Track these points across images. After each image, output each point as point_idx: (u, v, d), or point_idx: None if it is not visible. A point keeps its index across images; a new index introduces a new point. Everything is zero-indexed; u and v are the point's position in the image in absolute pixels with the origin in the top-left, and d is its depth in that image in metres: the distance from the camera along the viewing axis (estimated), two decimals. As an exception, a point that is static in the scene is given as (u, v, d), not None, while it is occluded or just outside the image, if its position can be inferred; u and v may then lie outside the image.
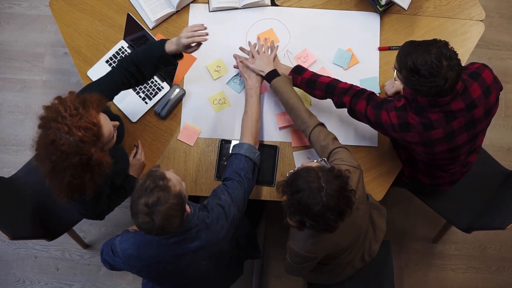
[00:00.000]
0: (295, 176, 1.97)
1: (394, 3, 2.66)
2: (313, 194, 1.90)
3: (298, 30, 2.73)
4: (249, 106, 2.51)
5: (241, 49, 2.64)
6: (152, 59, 2.26)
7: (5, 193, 2.63)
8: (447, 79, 2.02)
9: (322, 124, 2.37)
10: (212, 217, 2.16)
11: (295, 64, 2.57)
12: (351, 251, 2.33)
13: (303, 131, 2.40)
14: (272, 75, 2.49)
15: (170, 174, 1.98)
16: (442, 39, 2.11)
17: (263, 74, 2.52)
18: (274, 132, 2.62)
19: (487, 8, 2.87)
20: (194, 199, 2.83)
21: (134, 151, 2.59)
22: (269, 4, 2.76)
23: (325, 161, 2.11)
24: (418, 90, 2.09)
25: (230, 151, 2.44)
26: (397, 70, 2.14)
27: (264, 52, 2.59)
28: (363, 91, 2.35)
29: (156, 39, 2.50)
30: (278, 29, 2.73)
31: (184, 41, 2.24)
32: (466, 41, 2.71)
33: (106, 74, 2.30)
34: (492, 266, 3.29)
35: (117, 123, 2.12)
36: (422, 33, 2.72)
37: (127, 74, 2.27)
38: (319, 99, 2.49)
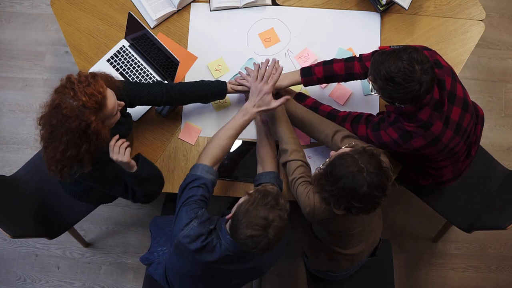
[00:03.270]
0: (331, 166, 1.99)
1: (395, 3, 2.67)
2: (356, 177, 1.93)
3: (299, 29, 2.74)
4: (264, 132, 2.45)
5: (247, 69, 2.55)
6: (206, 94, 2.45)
7: (6, 192, 2.63)
8: (422, 83, 2.03)
9: (340, 130, 2.35)
10: None
11: (296, 63, 2.58)
12: (358, 237, 2.33)
13: (324, 141, 2.38)
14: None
15: None
16: (412, 46, 2.12)
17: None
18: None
19: (487, 8, 2.88)
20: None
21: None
22: (270, 3, 2.76)
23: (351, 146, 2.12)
24: (394, 98, 2.10)
25: (259, 180, 2.34)
26: (372, 81, 2.14)
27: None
28: (360, 115, 2.36)
29: (158, 39, 2.51)
30: (279, 28, 2.74)
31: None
32: (466, 41, 2.72)
33: (143, 83, 2.42)
34: (492, 265, 3.30)
35: (122, 103, 2.18)
36: (423, 32, 2.72)
37: (165, 94, 2.39)
38: None
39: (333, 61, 2.43)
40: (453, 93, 2.23)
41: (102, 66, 2.67)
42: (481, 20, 2.75)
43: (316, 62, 2.47)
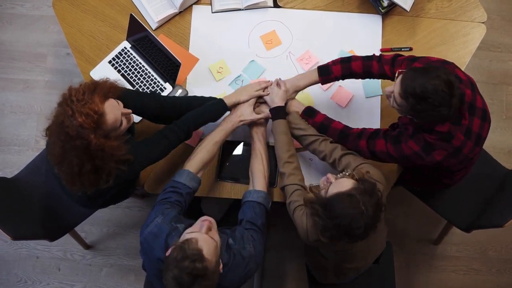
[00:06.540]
0: (331, 201, 1.96)
1: (396, 5, 2.67)
2: (356, 220, 1.92)
3: (301, 31, 2.74)
4: (257, 148, 2.46)
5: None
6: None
7: (7, 194, 2.63)
8: (451, 107, 1.99)
9: (336, 148, 2.30)
10: (231, 264, 2.09)
11: (297, 66, 2.57)
12: (362, 253, 2.33)
13: (324, 160, 2.35)
14: (282, 111, 2.43)
15: (205, 245, 1.91)
16: (441, 66, 2.08)
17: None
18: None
19: (488, 10, 2.87)
20: (196, 200, 2.83)
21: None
22: (272, 5, 2.77)
23: (351, 174, 2.08)
24: (421, 117, 2.06)
25: (247, 197, 2.33)
26: (401, 97, 2.06)
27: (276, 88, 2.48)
28: (377, 131, 2.30)
29: (159, 40, 2.51)
30: (280, 30, 2.74)
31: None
32: (467, 43, 2.72)
33: (138, 92, 2.44)
34: (492, 267, 3.30)
35: (129, 110, 2.15)
36: (424, 34, 2.73)
37: (158, 107, 2.37)
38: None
39: (351, 59, 2.38)
40: (473, 105, 2.19)
41: (103, 67, 2.67)
42: (482, 23, 2.75)
43: (332, 61, 2.42)
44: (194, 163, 2.33)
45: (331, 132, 2.37)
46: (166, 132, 2.32)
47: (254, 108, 2.51)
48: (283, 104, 2.44)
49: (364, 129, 2.33)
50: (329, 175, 2.09)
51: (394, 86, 2.10)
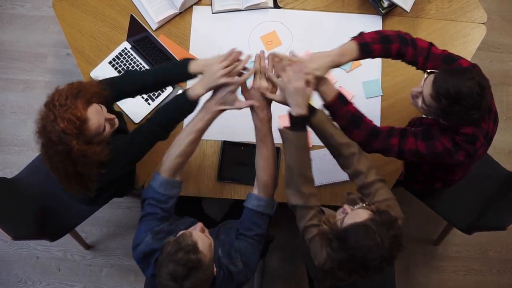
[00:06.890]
0: (345, 232, 1.91)
1: (396, 6, 2.67)
2: (371, 251, 1.86)
3: (301, 32, 2.74)
4: (262, 140, 2.19)
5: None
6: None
7: (7, 194, 2.63)
8: (482, 109, 1.97)
9: (362, 173, 2.12)
10: (222, 279, 2.04)
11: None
12: None
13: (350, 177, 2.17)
14: (306, 122, 2.12)
15: (200, 240, 1.89)
16: (471, 67, 2.04)
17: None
18: (276, 133, 2.61)
19: (488, 11, 2.88)
20: (197, 200, 2.83)
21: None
22: (272, 6, 2.77)
23: (369, 205, 2.01)
24: (449, 119, 2.03)
25: (248, 202, 2.18)
26: (432, 98, 2.01)
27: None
28: (404, 129, 2.21)
29: (160, 41, 2.51)
30: (280, 31, 2.74)
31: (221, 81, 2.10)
32: (468, 44, 2.72)
33: (110, 79, 2.26)
34: (493, 268, 3.30)
35: (113, 116, 2.11)
36: (424, 35, 2.73)
37: (131, 91, 2.26)
38: (353, 140, 2.17)
39: (390, 40, 2.18)
40: (491, 108, 2.19)
41: (104, 68, 2.67)
42: (482, 23, 2.75)
43: (369, 36, 2.19)
44: (169, 168, 2.14)
45: (362, 127, 2.19)
46: (133, 134, 2.21)
47: (250, 88, 2.18)
48: (307, 113, 2.08)
49: (391, 127, 2.23)
50: (346, 206, 2.01)
51: (424, 87, 2.05)
